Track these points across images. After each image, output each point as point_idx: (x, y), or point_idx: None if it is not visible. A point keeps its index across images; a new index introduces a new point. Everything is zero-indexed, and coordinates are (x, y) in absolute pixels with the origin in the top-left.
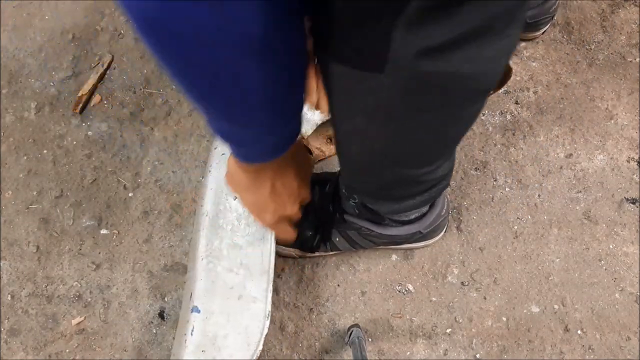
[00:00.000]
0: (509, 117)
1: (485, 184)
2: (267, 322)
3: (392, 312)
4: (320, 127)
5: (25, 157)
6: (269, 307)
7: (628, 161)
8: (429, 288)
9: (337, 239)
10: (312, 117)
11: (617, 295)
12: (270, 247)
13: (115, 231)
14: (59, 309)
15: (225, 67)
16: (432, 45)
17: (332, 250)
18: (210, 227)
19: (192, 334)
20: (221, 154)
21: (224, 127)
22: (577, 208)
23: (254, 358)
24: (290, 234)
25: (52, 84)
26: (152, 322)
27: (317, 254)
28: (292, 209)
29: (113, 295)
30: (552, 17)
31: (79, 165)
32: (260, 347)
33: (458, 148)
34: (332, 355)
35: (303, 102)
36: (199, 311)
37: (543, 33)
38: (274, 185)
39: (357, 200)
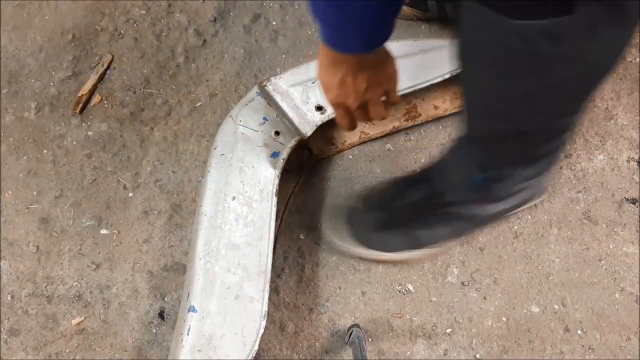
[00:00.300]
0: None
1: None
2: (264, 323)
3: (392, 312)
4: (321, 128)
5: (25, 157)
6: (265, 308)
7: (628, 161)
8: (429, 288)
9: (444, 232)
10: (313, 118)
11: (617, 295)
12: (268, 248)
13: (115, 231)
14: (59, 309)
15: None
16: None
17: (437, 243)
18: (208, 227)
19: (188, 334)
20: (220, 154)
21: (329, 10)
22: (577, 208)
23: (250, 358)
24: (345, 122)
25: (52, 84)
26: (152, 322)
27: (423, 251)
28: (353, 103)
29: (113, 295)
30: None
31: (79, 165)
32: (256, 347)
33: None
34: (332, 355)
35: (398, 14)
36: (195, 311)
37: None
38: (345, 76)
39: (489, 175)
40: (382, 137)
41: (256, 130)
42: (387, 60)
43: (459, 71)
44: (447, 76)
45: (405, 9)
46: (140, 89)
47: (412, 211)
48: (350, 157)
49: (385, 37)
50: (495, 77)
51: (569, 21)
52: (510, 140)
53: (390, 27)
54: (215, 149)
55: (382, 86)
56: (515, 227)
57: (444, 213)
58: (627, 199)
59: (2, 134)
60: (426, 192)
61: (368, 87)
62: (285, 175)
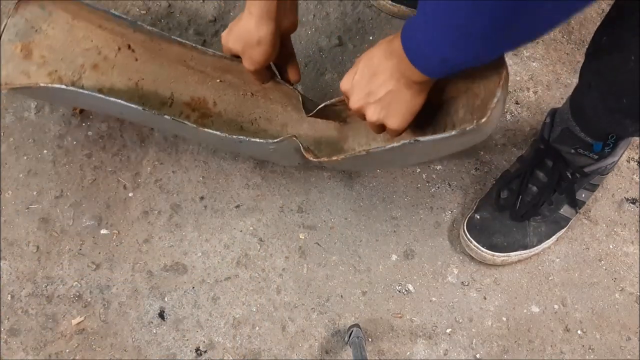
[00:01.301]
0: (509, 117)
1: (485, 184)
2: None
3: (392, 312)
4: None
5: (25, 157)
6: None
7: (628, 161)
8: (429, 288)
9: (583, 195)
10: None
11: (617, 295)
12: None
13: (115, 231)
14: (59, 309)
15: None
16: None
17: (580, 208)
18: None
19: None
20: None
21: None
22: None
23: None
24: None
25: None
26: (152, 322)
27: (569, 224)
28: (373, 109)
29: (113, 295)
30: None
31: (79, 165)
32: None
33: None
34: (332, 355)
35: None
36: None
37: None
38: (399, 82)
39: (612, 138)
40: None
41: None
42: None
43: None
44: None
45: (404, 8)
46: None
47: (548, 191)
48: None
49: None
50: None
51: None
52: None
53: None
54: None
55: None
56: None
57: (580, 178)
58: (627, 199)
59: (2, 134)
60: (554, 168)
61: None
62: None
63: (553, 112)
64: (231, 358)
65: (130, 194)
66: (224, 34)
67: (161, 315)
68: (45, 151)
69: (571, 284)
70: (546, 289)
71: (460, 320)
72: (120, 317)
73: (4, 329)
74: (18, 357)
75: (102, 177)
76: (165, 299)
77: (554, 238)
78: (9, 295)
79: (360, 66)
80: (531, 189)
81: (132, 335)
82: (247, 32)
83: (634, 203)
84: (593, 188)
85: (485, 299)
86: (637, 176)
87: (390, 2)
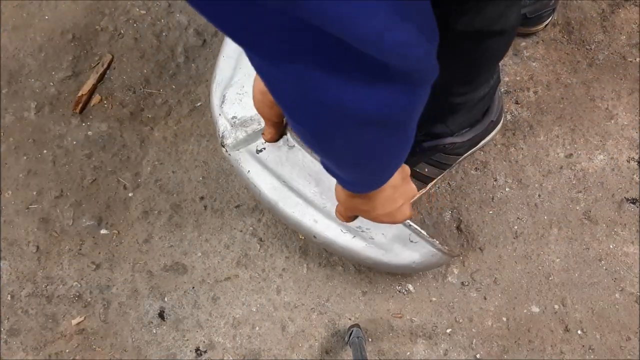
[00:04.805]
0: (509, 117)
1: (485, 184)
2: None
3: (392, 312)
4: None
5: (25, 157)
6: None
7: (628, 161)
8: (429, 288)
9: (427, 170)
10: None
11: (617, 295)
12: None
13: (115, 231)
14: (59, 309)
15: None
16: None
17: (426, 183)
18: None
19: None
20: None
21: (350, 178)
22: (577, 208)
23: None
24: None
25: (52, 84)
26: (152, 322)
27: (415, 197)
28: (405, 208)
29: (113, 295)
30: (553, 9)
31: (79, 165)
32: None
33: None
34: (332, 355)
35: None
36: None
37: (545, 26)
38: (388, 193)
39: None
40: None
41: None
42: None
43: None
44: None
45: None
46: (140, 89)
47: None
48: None
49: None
50: None
51: None
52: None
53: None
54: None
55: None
56: (515, 227)
57: (422, 150)
58: (627, 199)
59: (2, 134)
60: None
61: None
62: None
63: None
64: (231, 358)
65: (130, 194)
66: (254, 93)
67: (161, 315)
68: (45, 151)
69: (571, 284)
70: (546, 289)
71: (460, 320)
72: (120, 317)
73: (4, 329)
74: (18, 357)
75: (102, 177)
76: (165, 299)
77: None
78: (9, 295)
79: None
80: None
81: (132, 335)
82: (259, 90)
83: (634, 203)
84: (440, 166)
85: (485, 299)
86: (637, 176)
87: None
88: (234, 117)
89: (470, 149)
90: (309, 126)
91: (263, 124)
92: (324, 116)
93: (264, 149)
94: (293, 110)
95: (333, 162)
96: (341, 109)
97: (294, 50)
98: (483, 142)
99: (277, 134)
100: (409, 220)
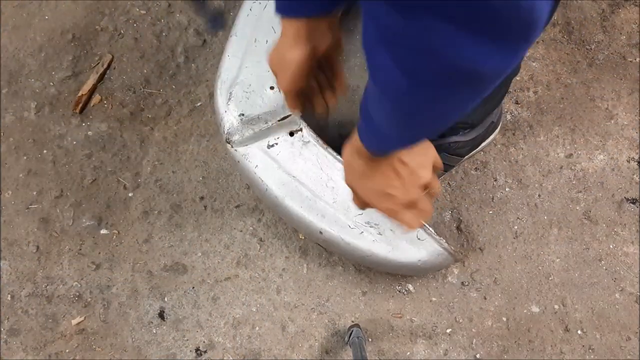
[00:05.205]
0: (509, 117)
1: (485, 184)
2: None
3: (392, 312)
4: None
5: (25, 157)
6: None
7: (628, 161)
8: (429, 288)
9: None
10: None
11: (617, 295)
12: None
13: (115, 231)
14: (59, 309)
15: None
16: None
17: None
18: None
19: None
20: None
21: (392, 133)
22: (577, 208)
23: None
24: (425, 213)
25: (52, 84)
26: (152, 322)
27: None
28: (409, 194)
29: (113, 295)
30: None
31: (79, 165)
32: None
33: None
34: (332, 355)
35: None
36: None
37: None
38: (396, 165)
39: None
40: None
41: None
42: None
43: None
44: None
45: None
46: (140, 89)
47: None
48: None
49: None
50: None
51: None
52: None
53: None
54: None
55: (428, 168)
56: (515, 227)
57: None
58: (627, 199)
59: (2, 134)
60: None
61: (420, 171)
62: None
63: None
64: (231, 358)
65: (130, 194)
66: (269, 52)
67: (161, 315)
68: (45, 151)
69: (571, 284)
70: (546, 289)
71: (460, 320)
72: (120, 317)
73: (4, 329)
74: (18, 357)
75: (102, 177)
76: (165, 299)
77: None
78: (9, 295)
79: (347, 169)
80: None
81: (132, 335)
82: (280, 54)
83: (634, 203)
84: (443, 166)
85: (485, 299)
86: (637, 176)
87: None
88: (241, 115)
89: (472, 150)
90: (407, 80)
91: (270, 123)
92: (433, 72)
93: (276, 144)
94: (402, 60)
95: (397, 118)
96: (456, 65)
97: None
98: (484, 143)
99: (301, 103)
100: None
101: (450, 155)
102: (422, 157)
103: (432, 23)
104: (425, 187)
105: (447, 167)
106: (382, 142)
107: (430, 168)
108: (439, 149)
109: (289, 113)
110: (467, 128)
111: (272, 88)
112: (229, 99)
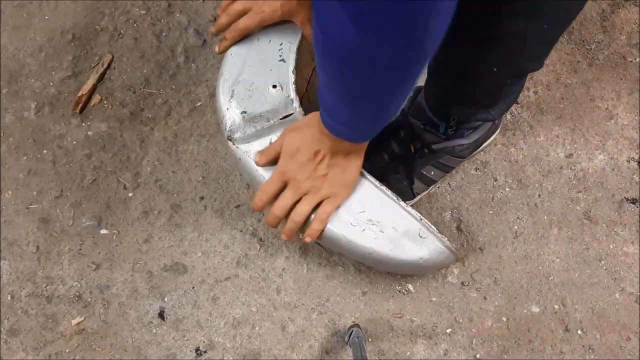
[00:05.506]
0: (509, 117)
1: (485, 184)
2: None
3: (392, 312)
4: None
5: (25, 157)
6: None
7: (628, 161)
8: (429, 288)
9: (432, 173)
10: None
11: (617, 295)
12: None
13: (115, 231)
14: (58, 309)
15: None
16: None
17: (429, 186)
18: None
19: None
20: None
21: (350, 116)
22: (577, 208)
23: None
24: (261, 203)
25: (52, 84)
26: (152, 322)
27: (417, 198)
28: (300, 186)
29: (113, 295)
30: None
31: (79, 165)
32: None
33: None
34: (332, 355)
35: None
36: None
37: None
38: (319, 152)
39: (454, 120)
40: None
41: None
42: (359, 157)
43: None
44: None
45: None
46: (140, 89)
47: (397, 161)
48: None
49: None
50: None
51: None
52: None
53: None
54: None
55: (337, 187)
56: (515, 227)
57: (431, 152)
58: (627, 199)
59: (2, 134)
60: (405, 139)
61: (327, 177)
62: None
63: (419, 87)
64: (231, 358)
65: (130, 194)
66: None
67: (161, 315)
68: (45, 151)
69: (571, 284)
70: (546, 289)
71: (460, 320)
72: (120, 317)
73: (4, 329)
74: (18, 357)
75: (102, 177)
76: (165, 299)
77: None
78: (9, 295)
79: (301, 149)
80: (383, 156)
81: (132, 335)
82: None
83: (634, 203)
84: (445, 169)
85: (485, 299)
86: (637, 176)
87: None
88: (243, 112)
89: (474, 151)
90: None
91: (272, 121)
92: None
93: None
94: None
95: (332, 86)
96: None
97: None
98: (484, 144)
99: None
100: (419, 214)
101: (454, 158)
102: (346, 179)
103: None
104: (293, 206)
105: (449, 169)
106: (330, 114)
107: (332, 197)
108: (444, 152)
109: (291, 112)
110: (470, 129)
111: (274, 87)
112: (232, 97)
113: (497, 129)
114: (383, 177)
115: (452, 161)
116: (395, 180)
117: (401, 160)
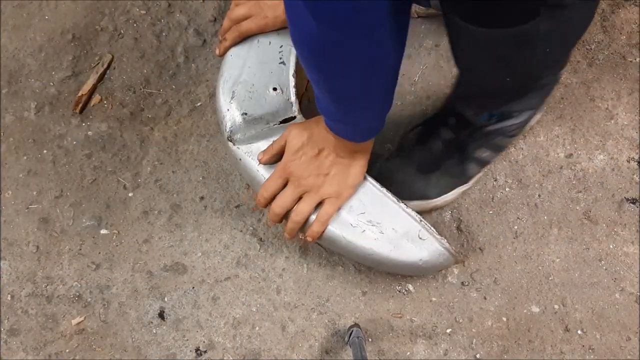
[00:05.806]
0: None
1: (485, 184)
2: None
3: (392, 312)
4: None
5: (25, 157)
6: None
7: (628, 161)
8: (429, 288)
9: (486, 154)
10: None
11: (617, 295)
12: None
13: (115, 231)
14: (58, 309)
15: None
16: None
17: (483, 167)
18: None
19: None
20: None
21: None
22: (577, 208)
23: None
24: (263, 199)
25: (52, 84)
26: (151, 322)
27: (472, 181)
28: (301, 182)
29: (113, 295)
30: None
31: (79, 165)
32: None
33: None
34: (332, 355)
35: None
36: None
37: None
38: (322, 151)
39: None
40: None
41: None
42: (364, 157)
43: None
44: None
45: (433, 11)
46: (140, 89)
47: (452, 146)
48: None
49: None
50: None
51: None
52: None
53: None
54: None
55: (337, 187)
56: (515, 227)
57: (483, 134)
58: (627, 199)
59: (2, 134)
60: (457, 125)
61: (329, 175)
62: None
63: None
64: (231, 358)
65: (130, 194)
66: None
67: (161, 315)
68: (45, 151)
69: (571, 284)
70: (546, 289)
71: (460, 320)
72: (120, 317)
73: (4, 329)
74: (18, 357)
75: (102, 177)
76: (165, 299)
77: (455, 192)
78: (9, 295)
79: (307, 151)
80: (436, 144)
81: (132, 335)
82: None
83: (634, 203)
84: (499, 149)
85: (485, 299)
86: (637, 176)
87: (420, 6)
88: (244, 114)
89: (522, 130)
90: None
91: (272, 124)
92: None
93: None
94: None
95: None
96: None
97: None
98: (532, 121)
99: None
100: (419, 216)
101: (508, 138)
102: (349, 179)
103: None
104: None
105: (502, 149)
106: (321, 110)
107: (334, 196)
108: (497, 133)
109: (291, 115)
110: (523, 110)
111: (274, 89)
112: (232, 98)
113: (542, 105)
114: (438, 165)
115: (504, 141)
116: (450, 166)
117: (455, 145)
